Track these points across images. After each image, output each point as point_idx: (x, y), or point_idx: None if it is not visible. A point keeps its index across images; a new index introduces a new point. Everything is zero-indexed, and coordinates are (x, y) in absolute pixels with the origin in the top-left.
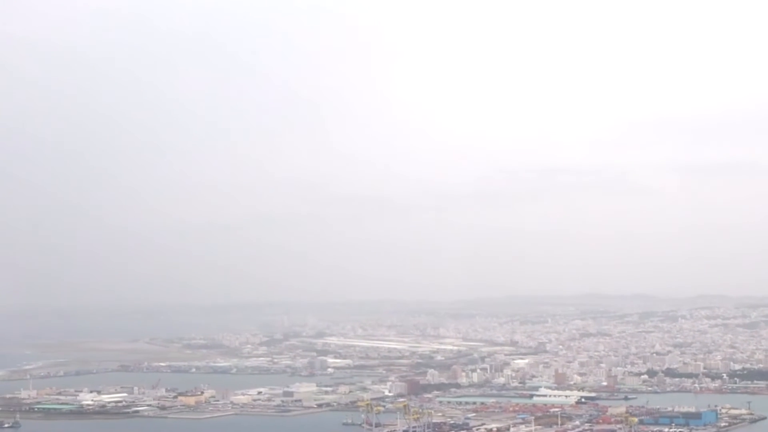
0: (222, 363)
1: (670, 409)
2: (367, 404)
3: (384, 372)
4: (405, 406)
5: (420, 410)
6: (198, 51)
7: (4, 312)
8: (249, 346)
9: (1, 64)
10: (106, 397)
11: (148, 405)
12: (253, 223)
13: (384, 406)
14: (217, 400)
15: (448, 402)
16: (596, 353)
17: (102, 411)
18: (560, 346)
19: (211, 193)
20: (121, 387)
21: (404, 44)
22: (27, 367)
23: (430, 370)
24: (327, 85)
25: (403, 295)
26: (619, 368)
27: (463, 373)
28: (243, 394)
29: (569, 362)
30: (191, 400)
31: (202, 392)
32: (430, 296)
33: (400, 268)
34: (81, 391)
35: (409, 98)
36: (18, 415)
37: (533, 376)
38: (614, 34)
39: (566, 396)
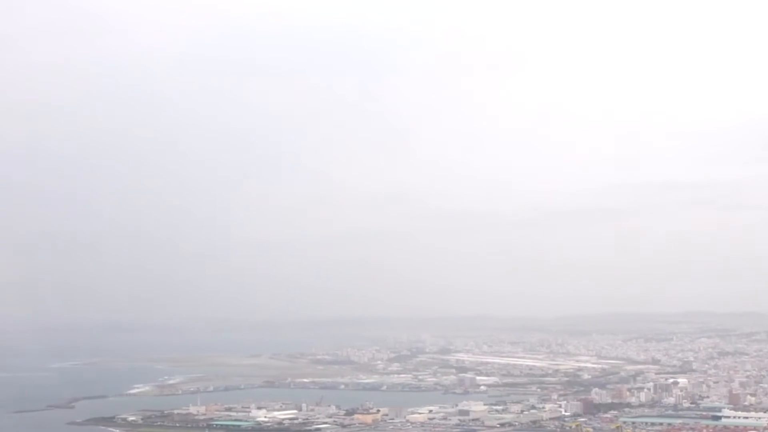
0: (367, 380)
1: None
2: (577, 425)
3: (538, 390)
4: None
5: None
6: (275, 71)
7: (108, 325)
8: (379, 362)
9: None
10: (278, 414)
11: (324, 423)
12: (346, 240)
13: (570, 427)
14: (392, 419)
15: (633, 422)
16: (747, 372)
17: (282, 428)
18: (705, 365)
19: (301, 210)
20: (283, 404)
21: (506, 54)
22: (171, 381)
23: (595, 389)
24: (425, 99)
25: (501, 311)
26: None
27: (628, 392)
28: (414, 413)
29: (728, 382)
30: (368, 418)
31: (378, 410)
32: (528, 312)
33: (498, 284)
34: (248, 408)
35: (511, 111)
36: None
37: (702, 396)
38: (727, 42)
39: (757, 418)
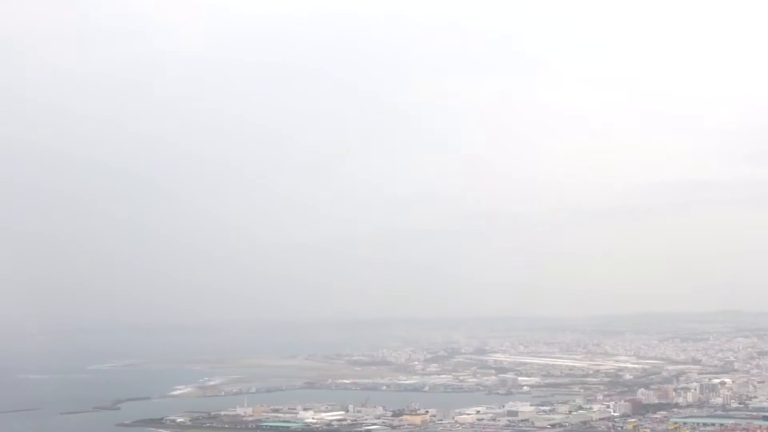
0: (408, 381)
1: None
2: (634, 426)
3: (581, 390)
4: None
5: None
6: (302, 69)
7: (136, 327)
8: (416, 363)
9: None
10: (326, 415)
11: (373, 424)
12: (375, 240)
13: (622, 427)
14: (440, 420)
15: (684, 423)
16: None
17: (331, 430)
18: (747, 365)
19: (328, 210)
20: (328, 405)
21: (537, 54)
22: (211, 383)
23: (641, 389)
24: (457, 98)
25: (531, 311)
26: None
27: (674, 393)
28: (462, 414)
29: None
30: (417, 419)
31: (426, 411)
32: (559, 312)
33: (528, 284)
34: (295, 409)
35: (542, 110)
36: None
37: (750, 397)
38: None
39: None
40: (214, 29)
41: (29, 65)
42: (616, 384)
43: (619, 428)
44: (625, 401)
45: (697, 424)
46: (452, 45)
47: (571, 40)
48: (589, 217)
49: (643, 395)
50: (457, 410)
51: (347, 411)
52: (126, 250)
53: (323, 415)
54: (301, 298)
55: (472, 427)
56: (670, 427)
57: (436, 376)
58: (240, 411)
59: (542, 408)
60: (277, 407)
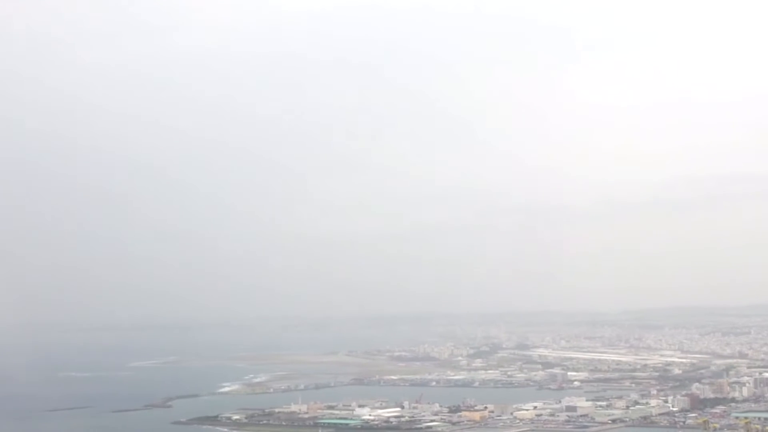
0: (456, 376)
1: None
2: (704, 421)
3: (631, 385)
4: (747, 422)
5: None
6: (344, 66)
7: (172, 325)
8: (460, 358)
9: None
10: (382, 412)
11: (432, 420)
12: (411, 236)
13: (684, 422)
14: (498, 415)
15: (745, 417)
16: None
17: (391, 427)
18: None
19: (366, 206)
20: (382, 401)
21: (574, 48)
22: (257, 380)
23: (695, 384)
24: (496, 92)
25: (566, 306)
26: None
27: (729, 387)
28: (520, 409)
29: None
30: (476, 415)
31: (485, 407)
32: (593, 307)
33: (563, 279)
34: (349, 405)
35: (582, 103)
36: (320, 431)
37: None
38: None
39: None
40: (237, 23)
41: (60, 61)
42: (666, 379)
43: (682, 423)
44: (683, 396)
45: (759, 419)
46: (491, 38)
47: (610, 32)
48: (625, 211)
49: (698, 390)
50: (514, 406)
51: (403, 408)
52: (158, 248)
53: (380, 411)
54: (335, 295)
55: (532, 422)
56: (742, 423)
57: (483, 372)
58: (294, 408)
59: (599, 403)
60: (331, 404)
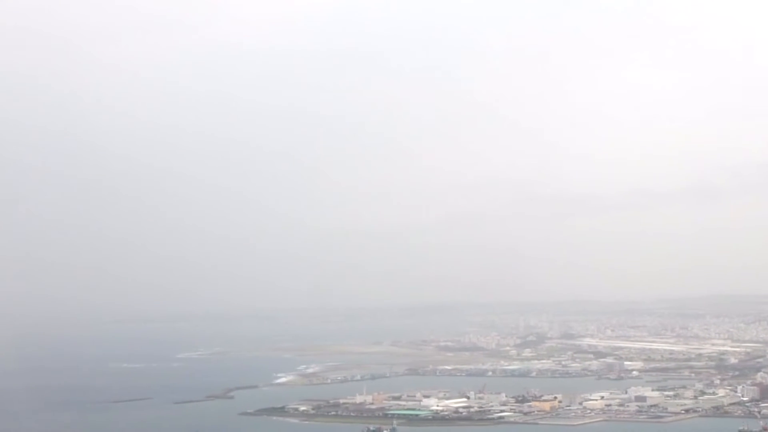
0: (511, 366)
1: None
2: None
3: (691, 374)
4: None
5: None
6: (375, 57)
7: (205, 316)
8: (508, 347)
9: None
10: (450, 403)
11: (502, 410)
12: (443, 226)
13: (759, 412)
14: (568, 405)
15: None
16: None
17: (463, 417)
18: None
19: (402, 198)
20: (444, 392)
21: (603, 35)
22: (310, 371)
23: (760, 373)
24: (528, 80)
25: (601, 295)
26: None
27: None
28: (588, 399)
29: None
30: (546, 405)
31: (555, 397)
32: (628, 296)
33: (596, 268)
34: (413, 396)
35: (611, 92)
36: (395, 422)
37: None
38: None
39: None
40: (281, 17)
41: (73, 58)
42: (724, 368)
43: (757, 413)
44: (753, 385)
45: None
46: (523, 24)
47: (647, 18)
48: (659, 200)
49: (763, 379)
50: (581, 396)
51: (468, 398)
52: (194, 242)
53: (447, 402)
54: (364, 286)
55: (603, 412)
56: None
57: (537, 362)
58: (359, 399)
59: (666, 393)
60: (395, 395)
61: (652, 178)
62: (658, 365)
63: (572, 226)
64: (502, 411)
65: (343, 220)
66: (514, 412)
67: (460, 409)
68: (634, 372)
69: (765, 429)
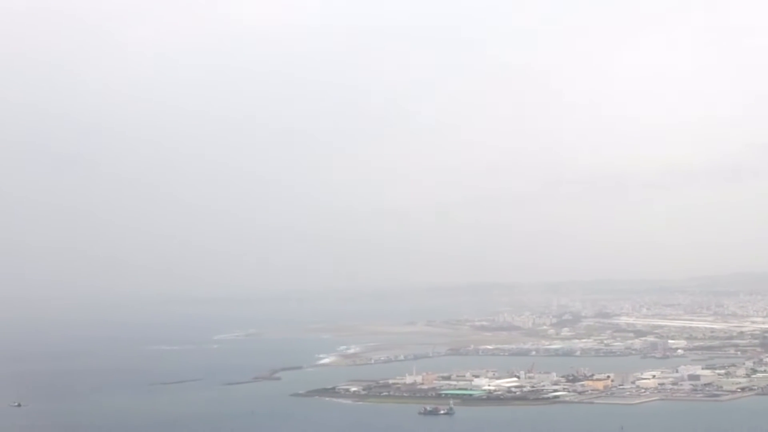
0: (553, 345)
1: None
2: None
3: (737, 353)
4: None
5: None
6: (415, 31)
7: (229, 298)
8: (545, 327)
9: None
10: (501, 382)
11: (554, 390)
12: (470, 205)
13: None
14: (620, 385)
15: None
16: None
17: (517, 397)
18: None
19: (428, 177)
20: (492, 371)
21: (641, 14)
22: (351, 351)
23: None
24: (559, 64)
25: (625, 274)
26: None
27: None
28: (640, 379)
29: None
30: (599, 384)
31: (608, 376)
32: (655, 275)
33: (625, 247)
34: (463, 376)
35: (645, 71)
36: (451, 402)
37: None
38: None
39: None
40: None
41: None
42: None
43: None
44: None
45: None
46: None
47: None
48: (688, 179)
49: None
50: (633, 375)
51: (518, 377)
52: (224, 230)
53: (498, 381)
54: (394, 265)
55: (658, 391)
56: None
57: (578, 341)
58: (409, 379)
59: (718, 372)
60: (444, 374)
61: (682, 157)
62: (701, 344)
63: (600, 205)
64: (555, 390)
65: (366, 199)
66: (568, 392)
67: (513, 389)
68: (679, 351)
69: None
